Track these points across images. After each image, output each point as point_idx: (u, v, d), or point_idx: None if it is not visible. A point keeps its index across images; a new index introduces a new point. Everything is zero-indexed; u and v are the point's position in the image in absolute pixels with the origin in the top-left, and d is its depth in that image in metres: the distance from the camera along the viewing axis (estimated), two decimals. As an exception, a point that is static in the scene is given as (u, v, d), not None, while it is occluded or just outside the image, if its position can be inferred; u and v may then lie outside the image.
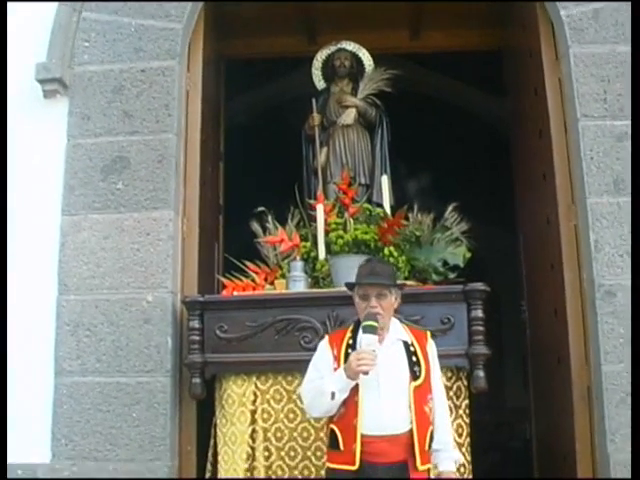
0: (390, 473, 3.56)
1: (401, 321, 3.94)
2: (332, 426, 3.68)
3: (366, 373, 3.50)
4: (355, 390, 3.59)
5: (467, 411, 4.62)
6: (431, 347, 3.85)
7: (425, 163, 8.97)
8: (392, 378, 3.64)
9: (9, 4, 5.13)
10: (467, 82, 8.39)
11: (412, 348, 3.76)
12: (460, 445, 4.51)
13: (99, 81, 5.06)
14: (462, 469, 4.49)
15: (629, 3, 4.95)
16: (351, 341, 3.73)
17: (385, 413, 3.59)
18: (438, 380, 3.86)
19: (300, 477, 4.56)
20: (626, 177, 4.76)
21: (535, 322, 5.69)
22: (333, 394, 3.56)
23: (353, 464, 3.54)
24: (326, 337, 3.92)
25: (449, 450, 3.81)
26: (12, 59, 5.07)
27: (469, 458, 4.57)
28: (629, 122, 4.82)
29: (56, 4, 5.08)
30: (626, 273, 4.65)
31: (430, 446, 3.68)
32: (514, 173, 6.12)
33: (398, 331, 3.81)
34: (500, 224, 7.53)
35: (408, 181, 9.10)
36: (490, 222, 8.09)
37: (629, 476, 4.39)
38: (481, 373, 4.55)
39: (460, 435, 4.55)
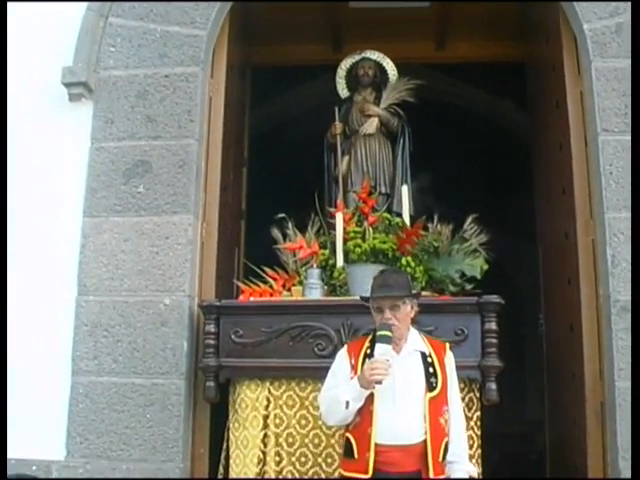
0: None
1: (420, 332, 3.95)
2: (347, 434, 3.72)
3: (379, 383, 3.52)
4: (370, 399, 3.62)
5: (479, 423, 4.62)
6: (449, 359, 3.85)
7: (449, 172, 8.97)
8: (408, 388, 3.66)
9: (38, 8, 5.22)
10: (493, 92, 8.38)
11: (429, 359, 3.77)
12: (471, 457, 4.52)
13: (123, 86, 5.13)
14: (473, 481, 4.53)
15: (652, 18, 4.95)
16: (369, 351, 3.73)
17: (399, 423, 3.61)
18: (455, 392, 3.86)
19: (307, 477, 4.59)
20: (644, 193, 4.77)
21: (551, 336, 5.68)
22: (347, 403, 3.60)
23: (366, 473, 3.57)
24: (345, 346, 3.94)
25: (463, 463, 3.80)
26: (39, 62, 5.18)
27: (480, 469, 4.57)
28: (650, 138, 4.83)
29: (84, 9, 5.15)
30: (643, 289, 4.65)
31: (444, 458, 3.68)
32: (535, 185, 6.12)
33: (416, 342, 3.82)
34: (526, 236, 7.50)
35: (431, 190, 9.10)
36: (516, 234, 8.08)
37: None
38: (493, 385, 4.55)
39: (471, 447, 4.53)
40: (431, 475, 3.59)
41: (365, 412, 3.64)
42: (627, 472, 4.45)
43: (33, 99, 5.14)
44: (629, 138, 4.83)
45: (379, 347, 3.57)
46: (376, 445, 3.58)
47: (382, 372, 3.51)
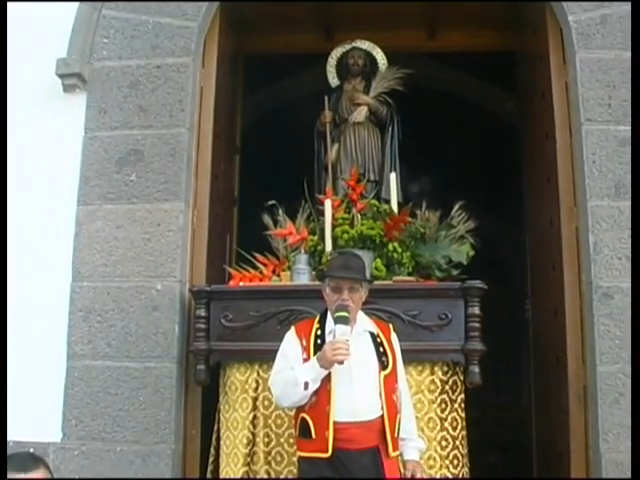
0: (362, 459, 3.67)
1: (366, 313, 4.06)
2: (303, 415, 3.77)
3: (341, 363, 3.61)
4: (327, 379, 3.70)
5: (462, 405, 4.72)
6: (394, 339, 4.00)
7: (444, 159, 9.04)
8: (363, 367, 3.77)
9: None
10: (487, 80, 8.41)
11: (378, 339, 3.89)
12: (454, 438, 4.64)
13: (116, 76, 5.21)
14: (455, 461, 4.61)
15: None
16: (319, 332, 3.85)
17: (357, 400, 3.71)
18: (402, 371, 4.01)
19: (291, 477, 4.62)
20: (627, 182, 4.83)
21: (537, 321, 5.78)
22: (306, 384, 3.67)
23: (326, 451, 3.64)
24: (292, 328, 4.01)
25: (414, 439, 3.98)
26: (34, 54, 5.25)
27: (464, 451, 4.68)
28: (633, 127, 4.90)
29: (77, 2, 5.23)
30: (624, 276, 4.72)
31: (398, 433, 3.80)
32: (523, 173, 6.20)
33: (365, 322, 3.94)
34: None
35: (426, 177, 9.18)
36: (515, 221, 8.15)
37: (620, 475, 4.52)
38: (476, 368, 4.65)
39: (455, 429, 4.65)
40: (390, 450, 3.70)
41: (322, 391, 3.71)
42: (608, 455, 4.56)
43: (28, 90, 5.22)
44: (612, 127, 4.93)
45: (339, 328, 3.67)
46: (335, 423, 3.65)
47: (344, 352, 3.60)
